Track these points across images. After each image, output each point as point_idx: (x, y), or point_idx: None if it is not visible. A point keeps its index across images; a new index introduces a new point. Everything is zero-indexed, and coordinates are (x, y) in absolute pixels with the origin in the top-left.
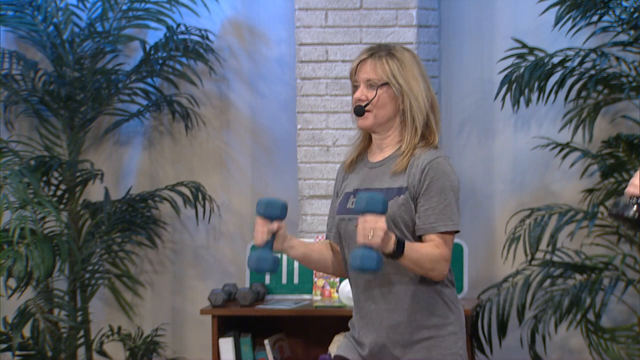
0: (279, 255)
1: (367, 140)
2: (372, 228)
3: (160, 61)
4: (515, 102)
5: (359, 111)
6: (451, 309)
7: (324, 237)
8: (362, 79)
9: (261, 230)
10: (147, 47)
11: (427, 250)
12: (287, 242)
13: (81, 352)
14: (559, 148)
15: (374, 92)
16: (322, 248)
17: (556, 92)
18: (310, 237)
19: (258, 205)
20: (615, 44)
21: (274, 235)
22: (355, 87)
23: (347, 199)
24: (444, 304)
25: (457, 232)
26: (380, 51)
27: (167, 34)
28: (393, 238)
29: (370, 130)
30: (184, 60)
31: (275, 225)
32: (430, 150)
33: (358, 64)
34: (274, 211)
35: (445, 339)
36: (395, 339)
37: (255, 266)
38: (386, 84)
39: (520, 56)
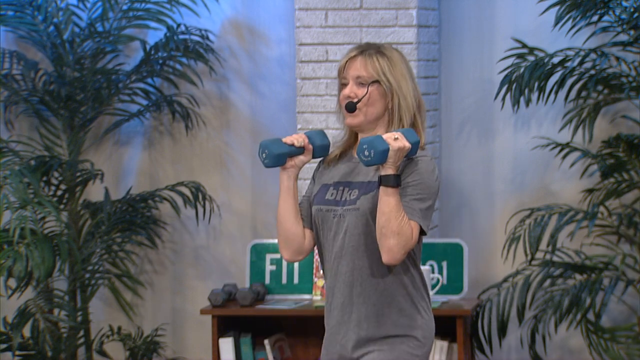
0: (287, 157)
1: (352, 139)
2: (398, 137)
3: (161, 61)
4: (515, 102)
5: (351, 107)
6: (420, 312)
7: None
8: (352, 76)
9: (297, 137)
10: (147, 47)
11: (406, 218)
12: (294, 172)
13: (81, 352)
14: (559, 148)
15: (364, 90)
16: (299, 215)
17: (556, 92)
18: None
19: (311, 130)
20: (615, 44)
21: (297, 152)
22: (343, 85)
23: (326, 190)
24: (413, 307)
25: (424, 233)
26: (369, 49)
27: (167, 34)
28: (397, 172)
29: (359, 128)
30: (184, 60)
31: (310, 147)
32: (417, 150)
33: (347, 61)
34: (318, 141)
35: (409, 340)
36: (359, 334)
37: (266, 144)
38: (376, 81)
39: (520, 56)
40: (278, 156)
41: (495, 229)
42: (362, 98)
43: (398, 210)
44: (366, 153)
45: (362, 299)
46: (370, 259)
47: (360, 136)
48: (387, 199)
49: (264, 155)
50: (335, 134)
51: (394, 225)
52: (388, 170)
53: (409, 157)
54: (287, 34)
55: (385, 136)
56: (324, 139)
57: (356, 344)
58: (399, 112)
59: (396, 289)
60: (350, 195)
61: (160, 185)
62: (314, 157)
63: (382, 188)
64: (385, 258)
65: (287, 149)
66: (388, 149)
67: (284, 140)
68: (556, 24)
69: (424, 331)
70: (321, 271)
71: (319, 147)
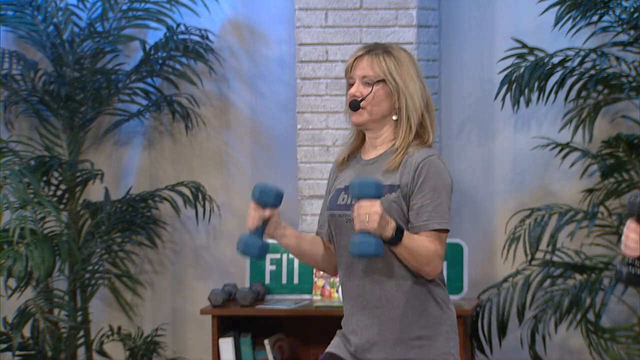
0: (268, 242)
1: (360, 139)
2: (367, 213)
3: (160, 61)
4: (515, 102)
5: (354, 105)
6: (443, 308)
7: (315, 234)
8: (358, 75)
9: (253, 215)
10: (147, 47)
11: (424, 244)
12: (280, 229)
13: (81, 352)
14: (559, 148)
15: (370, 89)
16: (313, 241)
17: (556, 92)
18: None
19: (253, 190)
20: (615, 44)
21: (265, 221)
22: (350, 85)
23: (338, 194)
24: (435, 304)
25: (448, 231)
26: (377, 49)
27: (167, 34)
28: (392, 223)
29: (364, 127)
30: (184, 60)
31: (267, 212)
32: (424, 149)
33: (354, 61)
34: (268, 198)
35: (436, 339)
36: (385, 337)
37: (242, 250)
38: (382, 80)
39: (520, 56)
40: (260, 250)
41: (495, 229)
42: (366, 96)
43: (417, 250)
44: (363, 257)
45: (385, 302)
46: (386, 262)
47: (368, 136)
48: (402, 251)
49: (250, 257)
50: (336, 134)
51: (422, 260)
52: (386, 235)
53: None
54: (287, 34)
55: (358, 227)
56: (270, 192)
57: (382, 347)
58: (406, 112)
59: (416, 288)
60: None
61: (160, 185)
62: (277, 207)
63: (391, 246)
64: (430, 277)
65: (258, 234)
66: (376, 241)
67: (247, 226)
68: (556, 24)
69: (449, 326)
70: (320, 272)
71: (273, 202)
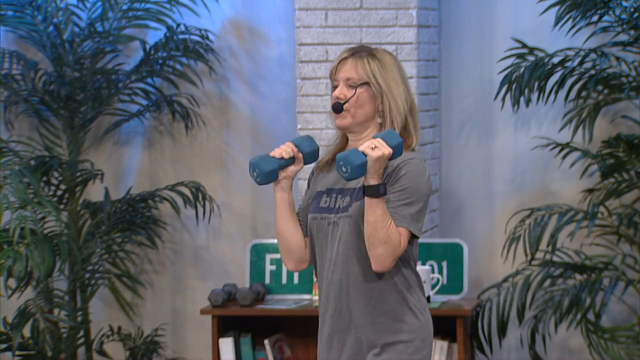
0: (279, 173)
1: (343, 143)
2: (378, 145)
3: (160, 61)
4: (515, 102)
5: (338, 108)
6: (417, 316)
7: None
8: (342, 77)
9: (285, 148)
10: (147, 47)
11: (391, 225)
12: (287, 182)
13: (81, 352)
14: (559, 148)
15: (353, 91)
16: (298, 224)
17: (556, 92)
18: None
19: (297, 137)
20: (615, 44)
21: (287, 162)
22: (334, 87)
23: (320, 197)
24: (409, 310)
25: (416, 237)
26: (361, 51)
27: (167, 34)
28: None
29: (348, 130)
30: (184, 60)
31: (300, 155)
32: (408, 152)
33: (338, 63)
34: (306, 147)
35: (409, 345)
36: (356, 340)
37: (257, 161)
38: (366, 83)
39: (520, 56)
40: (269, 173)
41: (495, 229)
42: (349, 99)
43: (384, 220)
44: (343, 169)
45: (359, 307)
46: (364, 266)
47: (350, 139)
48: (372, 209)
49: (255, 174)
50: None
51: (381, 235)
52: (370, 180)
53: (394, 158)
54: (287, 34)
55: (362, 147)
56: (312, 144)
57: (355, 351)
58: (390, 115)
59: (391, 295)
60: (342, 202)
61: (160, 185)
62: (305, 163)
63: (366, 199)
64: (374, 266)
65: (277, 164)
66: (365, 162)
67: (272, 154)
68: (556, 24)
69: (422, 334)
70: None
71: (309, 154)
